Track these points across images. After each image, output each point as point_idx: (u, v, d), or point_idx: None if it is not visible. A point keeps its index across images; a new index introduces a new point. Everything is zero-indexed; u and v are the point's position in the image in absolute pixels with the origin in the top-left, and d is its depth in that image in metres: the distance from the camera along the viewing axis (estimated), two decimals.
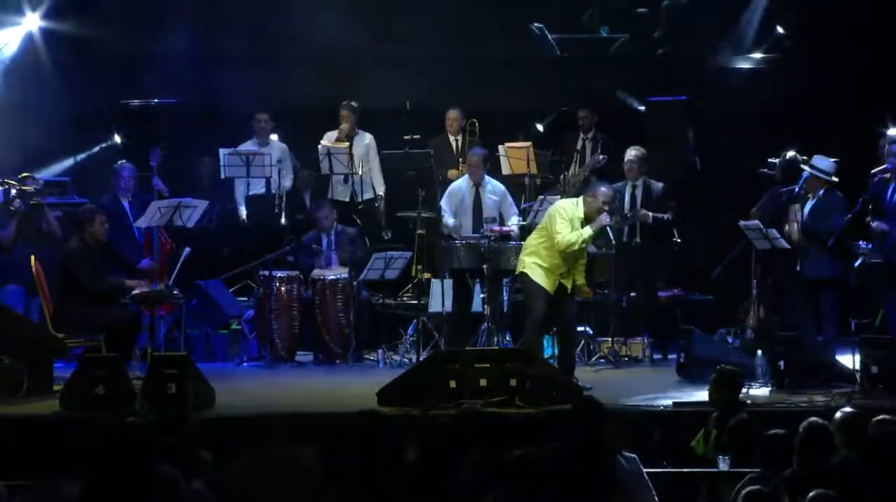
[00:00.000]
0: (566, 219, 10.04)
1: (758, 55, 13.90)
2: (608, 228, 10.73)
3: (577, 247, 10.01)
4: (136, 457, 5.67)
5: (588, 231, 10.03)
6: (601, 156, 12.61)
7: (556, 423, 8.09)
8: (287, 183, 12.97)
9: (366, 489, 5.67)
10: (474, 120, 12.98)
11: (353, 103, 13.01)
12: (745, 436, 7.55)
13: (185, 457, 6.23)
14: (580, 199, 10.21)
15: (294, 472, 5.93)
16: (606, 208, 10.12)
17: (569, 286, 10.15)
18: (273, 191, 12.74)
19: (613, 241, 11.50)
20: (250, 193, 12.82)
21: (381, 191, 13.08)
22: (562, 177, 12.56)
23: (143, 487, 5.59)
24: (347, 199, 12.91)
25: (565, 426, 6.39)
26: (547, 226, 10.13)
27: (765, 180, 11.50)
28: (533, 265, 10.12)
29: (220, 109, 13.20)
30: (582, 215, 10.07)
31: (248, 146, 12.84)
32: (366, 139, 13.06)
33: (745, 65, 13.85)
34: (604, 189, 10.28)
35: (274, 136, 13.05)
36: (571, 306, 10.38)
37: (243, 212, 12.91)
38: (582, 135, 13.24)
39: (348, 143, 12.85)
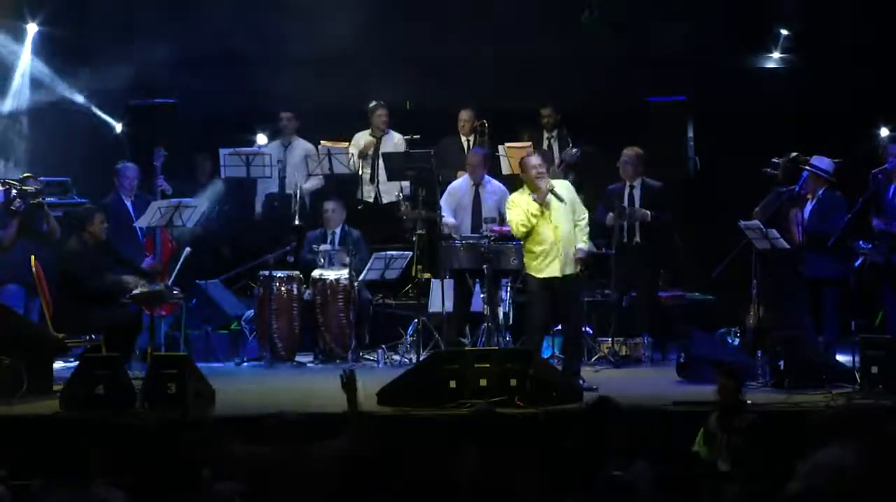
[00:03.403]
0: (516, 206, 10.09)
1: (759, 56, 13.90)
2: (606, 225, 10.75)
3: (528, 222, 9.99)
4: (181, 458, 5.70)
5: (534, 205, 10.01)
6: (574, 150, 12.57)
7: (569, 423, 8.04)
8: (313, 183, 12.97)
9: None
10: (484, 121, 13.00)
11: (382, 102, 13.05)
12: (757, 438, 7.53)
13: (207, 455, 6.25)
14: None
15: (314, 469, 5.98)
16: (540, 172, 10.07)
17: (572, 265, 10.11)
18: (288, 192, 12.74)
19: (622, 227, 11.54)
20: (267, 193, 12.90)
21: (406, 191, 13.06)
22: None
23: (179, 487, 5.61)
24: (372, 200, 12.95)
25: (579, 425, 6.41)
26: None
27: (767, 180, 11.50)
28: (528, 262, 10.15)
29: (221, 109, 13.21)
30: (528, 194, 10.08)
31: (272, 146, 12.88)
32: (395, 139, 13.09)
33: (746, 65, 13.85)
34: (529, 159, 10.23)
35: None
36: (578, 307, 10.35)
37: (259, 210, 12.98)
38: (546, 134, 13.25)
39: (375, 141, 12.90)
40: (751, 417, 7.75)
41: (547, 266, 10.05)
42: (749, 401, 8.48)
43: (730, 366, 8.51)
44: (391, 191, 12.87)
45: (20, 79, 13.07)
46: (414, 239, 12.44)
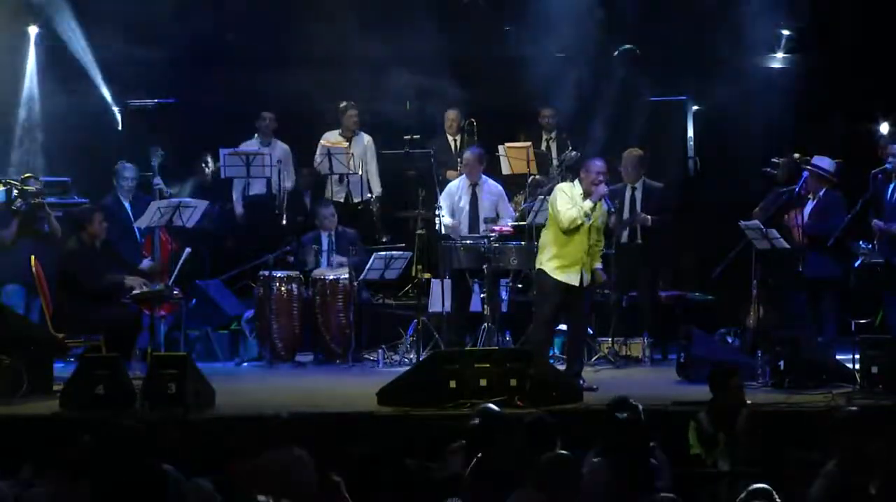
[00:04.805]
0: (568, 197, 10.00)
1: (760, 56, 13.89)
2: (607, 220, 10.75)
3: (579, 221, 9.88)
4: (139, 458, 5.69)
5: (587, 203, 9.93)
6: (574, 153, 12.56)
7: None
8: (289, 184, 13.00)
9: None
10: (472, 120, 12.99)
11: (353, 103, 13.05)
12: (757, 438, 7.51)
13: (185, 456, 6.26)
14: (577, 180, 10.18)
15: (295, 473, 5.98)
16: (601, 179, 10.05)
17: (589, 276, 10.09)
18: (274, 192, 12.74)
19: (615, 230, 11.53)
20: (250, 193, 12.85)
21: (377, 192, 13.13)
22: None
23: (148, 487, 5.61)
24: (342, 200, 12.92)
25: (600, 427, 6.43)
26: (552, 212, 10.09)
27: (767, 180, 11.51)
28: (549, 263, 10.02)
29: (220, 109, 13.21)
30: (581, 192, 10.04)
31: (250, 145, 12.87)
32: (364, 140, 13.09)
33: (746, 65, 13.84)
34: (595, 162, 10.14)
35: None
36: (586, 308, 10.33)
37: (240, 211, 12.97)
38: (545, 135, 13.24)
39: (347, 143, 12.89)
40: (750, 417, 7.73)
41: (566, 274, 10.01)
42: (748, 401, 8.49)
43: (730, 364, 8.48)
44: (363, 192, 12.89)
45: (28, 83, 13.09)
46: (385, 240, 12.47)
